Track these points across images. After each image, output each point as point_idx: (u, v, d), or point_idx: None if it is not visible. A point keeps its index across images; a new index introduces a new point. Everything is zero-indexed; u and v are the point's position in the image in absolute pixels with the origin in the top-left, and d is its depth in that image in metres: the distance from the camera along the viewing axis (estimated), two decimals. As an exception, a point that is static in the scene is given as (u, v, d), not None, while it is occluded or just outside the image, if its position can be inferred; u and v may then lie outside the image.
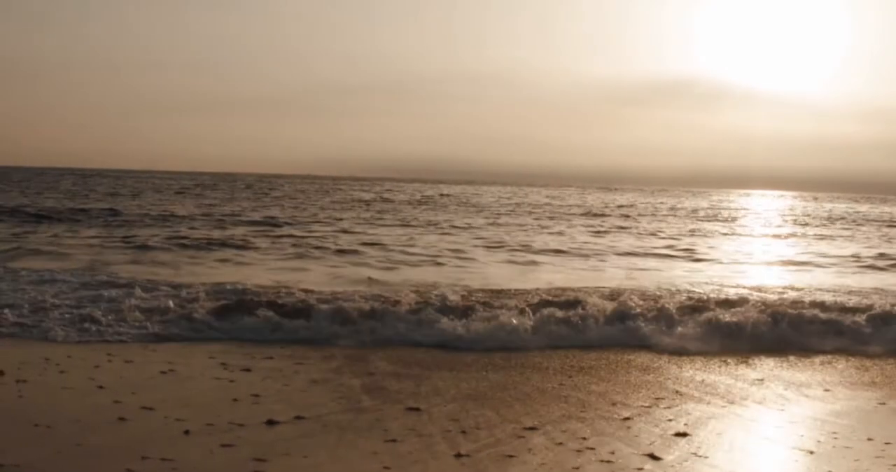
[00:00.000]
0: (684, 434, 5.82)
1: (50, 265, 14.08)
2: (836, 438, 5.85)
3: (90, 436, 5.34)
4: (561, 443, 5.57)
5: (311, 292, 11.56)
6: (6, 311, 9.50)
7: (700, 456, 5.36)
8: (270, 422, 5.80)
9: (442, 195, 64.72)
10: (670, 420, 6.19)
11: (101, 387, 6.65)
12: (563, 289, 12.69)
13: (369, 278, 14.13)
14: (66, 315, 9.49)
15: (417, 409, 6.33)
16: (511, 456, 5.26)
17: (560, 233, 28.21)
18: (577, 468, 5.08)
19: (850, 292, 13.67)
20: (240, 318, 9.58)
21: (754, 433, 6.10)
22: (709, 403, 6.84)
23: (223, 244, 19.52)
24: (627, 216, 42.30)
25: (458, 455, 5.22)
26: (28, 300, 10.17)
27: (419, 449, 5.31)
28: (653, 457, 5.28)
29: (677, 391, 7.19)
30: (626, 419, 6.27)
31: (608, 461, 5.19)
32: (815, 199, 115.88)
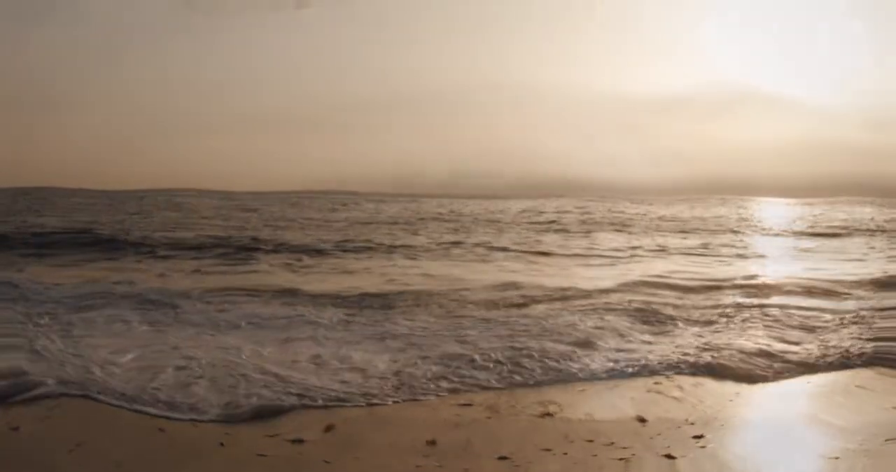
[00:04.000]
0: (700, 436, 5.85)
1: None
2: (861, 444, 5.83)
3: (125, 451, 5.42)
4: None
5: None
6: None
7: (718, 460, 5.39)
8: (298, 440, 5.80)
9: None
10: (690, 424, 6.23)
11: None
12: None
13: None
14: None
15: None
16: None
17: None
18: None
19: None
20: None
21: (777, 439, 6.11)
22: (727, 407, 6.85)
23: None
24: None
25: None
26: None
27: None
28: (669, 456, 5.34)
29: (696, 397, 7.19)
30: (642, 419, 6.39)
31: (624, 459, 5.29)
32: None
